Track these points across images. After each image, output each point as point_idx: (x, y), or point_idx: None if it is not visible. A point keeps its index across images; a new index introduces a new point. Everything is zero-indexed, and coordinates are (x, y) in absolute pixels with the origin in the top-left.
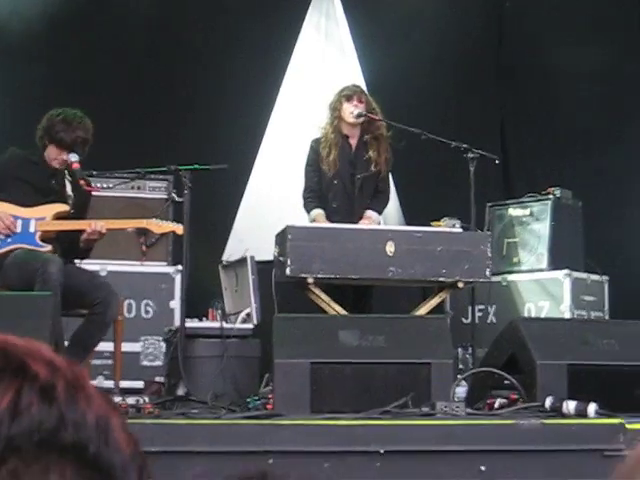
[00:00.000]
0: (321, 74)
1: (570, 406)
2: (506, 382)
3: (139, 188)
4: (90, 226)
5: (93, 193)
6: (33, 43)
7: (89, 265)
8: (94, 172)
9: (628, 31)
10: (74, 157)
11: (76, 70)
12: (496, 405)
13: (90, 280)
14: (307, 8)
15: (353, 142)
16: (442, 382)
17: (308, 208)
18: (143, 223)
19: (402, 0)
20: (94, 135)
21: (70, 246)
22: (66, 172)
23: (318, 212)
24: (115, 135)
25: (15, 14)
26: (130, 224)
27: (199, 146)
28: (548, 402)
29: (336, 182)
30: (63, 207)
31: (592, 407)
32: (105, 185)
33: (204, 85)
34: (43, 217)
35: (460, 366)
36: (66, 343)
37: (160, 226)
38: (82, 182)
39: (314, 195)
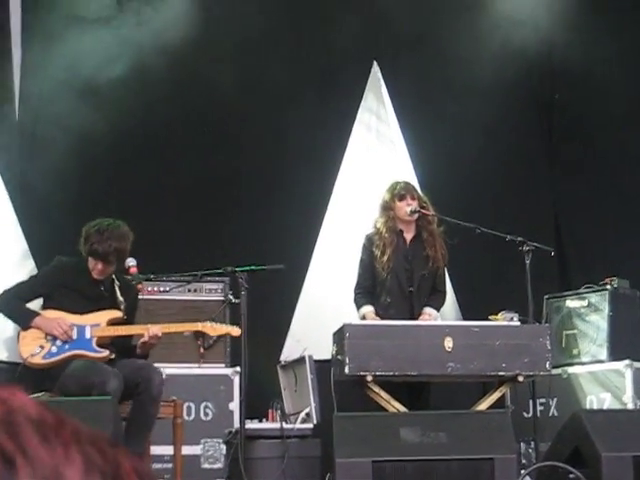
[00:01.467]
0: (373, 172)
1: None
2: (571, 476)
3: (195, 291)
4: (147, 331)
5: (151, 297)
6: (90, 146)
7: None
8: (152, 276)
9: None
10: (132, 262)
11: (131, 176)
12: None
13: (131, 368)
14: (357, 108)
15: (408, 237)
16: (506, 477)
17: (358, 305)
18: (199, 326)
19: (452, 97)
20: (147, 239)
21: (125, 349)
22: (114, 277)
23: (368, 309)
24: (171, 238)
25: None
26: (186, 327)
27: (254, 247)
28: None
29: (390, 278)
30: (117, 313)
31: None
32: (162, 289)
33: (259, 185)
34: (98, 324)
35: (523, 461)
36: None
37: (216, 329)
38: (139, 286)
39: (365, 291)
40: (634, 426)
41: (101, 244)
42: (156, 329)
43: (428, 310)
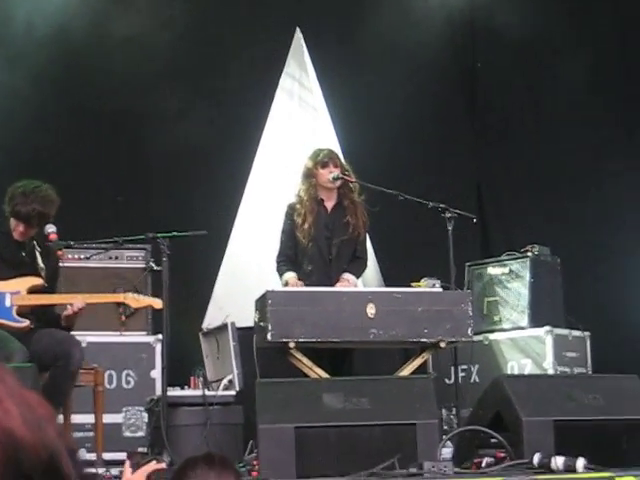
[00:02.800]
0: (296, 139)
1: (558, 462)
2: (492, 440)
3: (117, 258)
4: (72, 306)
5: (72, 264)
6: (14, 106)
7: None
8: (72, 242)
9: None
10: (51, 228)
11: (51, 136)
12: (483, 464)
13: (51, 338)
14: (280, 75)
15: (329, 205)
16: (428, 442)
17: (280, 272)
18: (121, 297)
19: (375, 64)
20: (68, 205)
21: (45, 318)
22: (35, 243)
23: (290, 275)
24: (91, 205)
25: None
26: (108, 298)
27: (176, 214)
28: (536, 459)
29: (311, 246)
30: (37, 280)
31: (580, 462)
32: (82, 256)
33: (180, 152)
34: (18, 291)
35: (445, 427)
36: None
37: (138, 300)
38: (60, 253)
39: (287, 260)
40: (554, 391)
41: (25, 206)
42: (78, 299)
43: (346, 276)
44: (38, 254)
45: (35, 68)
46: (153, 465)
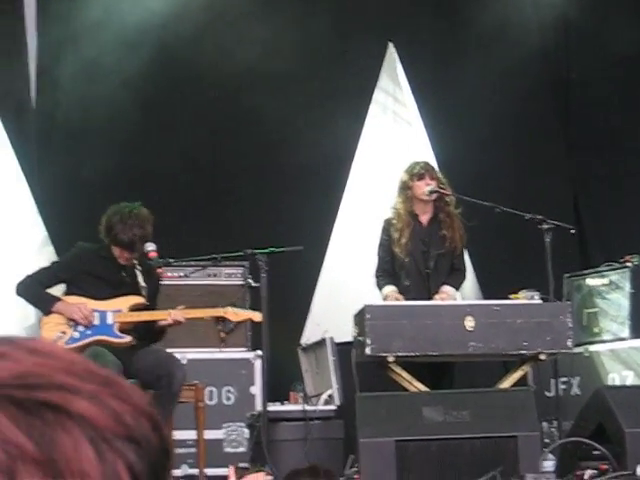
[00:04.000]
0: (390, 153)
1: None
2: (595, 452)
3: (215, 275)
4: (170, 315)
5: (171, 282)
6: (99, 131)
7: None
8: (172, 260)
9: None
10: (151, 246)
11: (147, 159)
12: (586, 477)
13: (154, 359)
14: (373, 89)
15: (424, 220)
16: (530, 455)
17: (380, 286)
18: (220, 312)
19: (468, 77)
20: (166, 223)
21: (147, 334)
22: (135, 263)
23: (390, 289)
24: (190, 222)
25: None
26: (207, 313)
27: (273, 230)
28: (639, 470)
29: (408, 261)
30: (138, 299)
31: None
32: (182, 274)
33: (277, 168)
34: (119, 309)
35: (546, 440)
36: None
37: (237, 314)
38: (160, 271)
39: (385, 274)
40: None
41: (126, 233)
42: (178, 315)
43: (445, 288)
44: (139, 273)
45: (133, 88)
46: (261, 476)
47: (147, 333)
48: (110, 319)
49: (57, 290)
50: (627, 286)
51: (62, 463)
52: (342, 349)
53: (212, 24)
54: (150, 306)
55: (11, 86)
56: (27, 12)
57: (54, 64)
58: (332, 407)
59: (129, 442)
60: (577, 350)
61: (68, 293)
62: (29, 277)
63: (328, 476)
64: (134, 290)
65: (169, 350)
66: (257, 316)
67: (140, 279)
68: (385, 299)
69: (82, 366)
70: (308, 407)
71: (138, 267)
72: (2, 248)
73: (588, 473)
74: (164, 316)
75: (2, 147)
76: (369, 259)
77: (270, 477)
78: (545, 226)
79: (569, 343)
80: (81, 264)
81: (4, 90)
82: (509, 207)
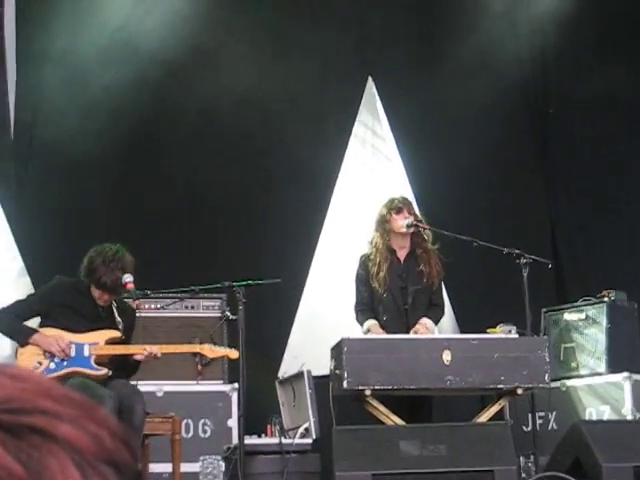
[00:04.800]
0: (369, 187)
1: None
2: None
3: (193, 307)
4: (145, 350)
5: (148, 314)
6: (79, 161)
7: (145, 386)
8: (149, 292)
9: None
10: (129, 278)
11: (128, 194)
12: None
13: (116, 394)
14: (353, 122)
15: (402, 255)
16: None
17: (361, 320)
18: (197, 348)
19: (447, 112)
20: (142, 255)
21: (122, 367)
22: (113, 301)
23: (372, 322)
24: (166, 254)
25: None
26: (184, 349)
27: (251, 263)
28: None
29: (386, 296)
30: (115, 333)
31: None
32: (159, 305)
33: (255, 200)
34: (96, 342)
35: (523, 475)
36: None
37: (214, 351)
38: (137, 303)
39: (366, 308)
40: (634, 437)
41: (109, 276)
42: (155, 349)
43: (424, 320)
44: (115, 309)
45: (108, 121)
46: None
47: (122, 366)
48: (87, 351)
49: (33, 323)
50: (604, 321)
51: None
52: (319, 382)
53: (198, 56)
54: (126, 340)
55: None
56: (7, 29)
57: (33, 88)
58: (309, 440)
59: (110, 465)
60: (554, 385)
61: (43, 325)
62: (4, 309)
63: None
64: (110, 324)
65: (146, 382)
66: (233, 354)
67: (116, 314)
68: (367, 332)
69: (60, 391)
70: (285, 440)
71: (114, 303)
72: None
73: None
74: (140, 350)
75: None
76: (347, 292)
77: None
78: (523, 260)
79: (546, 378)
80: (58, 296)
81: None
82: (487, 241)
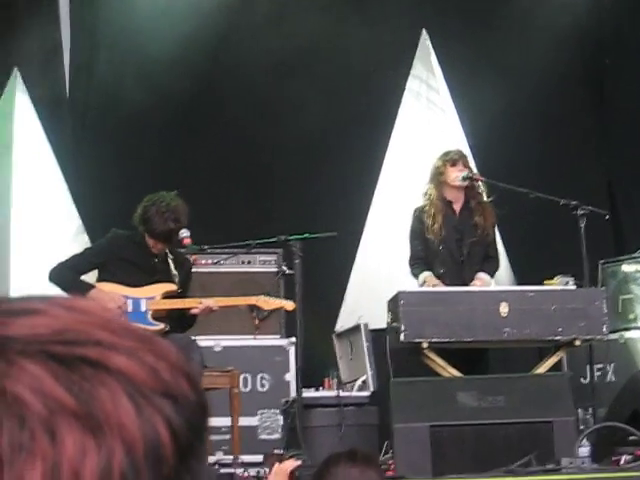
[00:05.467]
0: (424, 140)
1: None
2: (631, 438)
3: (249, 262)
4: (201, 304)
5: (204, 270)
6: (132, 123)
7: (203, 341)
8: (205, 247)
9: None
10: (185, 233)
11: (183, 148)
12: (622, 462)
13: (175, 343)
14: (407, 77)
15: (457, 207)
16: (565, 440)
17: (416, 273)
18: (253, 300)
19: (501, 64)
20: (199, 210)
21: (179, 321)
22: (167, 251)
23: (427, 274)
24: (223, 209)
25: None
26: (240, 301)
27: (306, 217)
28: None
29: (442, 249)
30: (171, 287)
31: None
32: (215, 261)
33: (311, 154)
34: (152, 296)
35: (581, 427)
36: None
37: (269, 303)
38: (193, 258)
39: (420, 262)
40: None
41: (162, 225)
42: (211, 302)
43: (481, 275)
44: (171, 261)
45: (162, 78)
46: (291, 462)
47: (179, 320)
48: (143, 306)
49: (90, 276)
50: None
51: (101, 417)
52: (376, 335)
53: (251, 13)
54: (182, 294)
55: (46, 80)
56: (62, 9)
57: (88, 58)
58: (366, 393)
59: (167, 398)
60: (612, 336)
61: (100, 279)
62: (62, 264)
63: (367, 460)
64: (166, 277)
65: (204, 337)
66: (290, 305)
67: (172, 267)
68: (423, 284)
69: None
70: (342, 393)
71: (170, 255)
72: (38, 237)
73: (624, 458)
74: (196, 304)
75: (38, 139)
76: (403, 246)
77: (299, 462)
78: (579, 212)
79: (604, 329)
80: (114, 250)
81: (39, 84)
82: (543, 193)
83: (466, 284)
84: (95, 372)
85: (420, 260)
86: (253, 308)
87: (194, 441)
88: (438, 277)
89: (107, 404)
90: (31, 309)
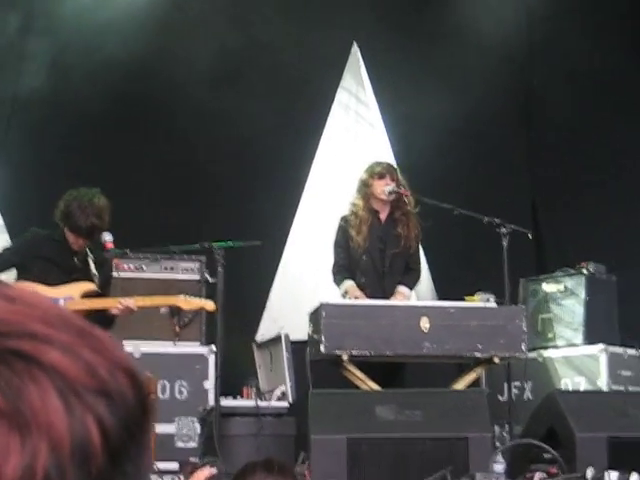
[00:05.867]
0: (351, 153)
1: (612, 477)
2: (545, 455)
3: (172, 269)
4: (120, 304)
5: (126, 275)
6: (60, 117)
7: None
8: (128, 251)
9: None
10: (108, 236)
11: (106, 149)
12: (536, 479)
13: None
14: (336, 89)
15: (383, 217)
16: (480, 456)
17: (338, 281)
18: (172, 300)
19: (431, 79)
20: (122, 213)
21: (98, 321)
22: (88, 250)
23: (349, 283)
24: (146, 214)
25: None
26: (159, 301)
27: (231, 224)
28: (589, 473)
29: (365, 258)
30: (90, 286)
31: (635, 477)
32: (137, 266)
33: (236, 163)
34: (71, 296)
35: (497, 444)
36: None
37: (189, 302)
38: (116, 262)
39: (343, 269)
40: (608, 407)
41: (83, 220)
42: (130, 302)
43: (401, 289)
44: (91, 261)
45: (96, 71)
46: (207, 470)
47: (98, 320)
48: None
49: (9, 277)
50: (582, 293)
51: (28, 414)
52: (297, 347)
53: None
54: (102, 295)
55: None
56: None
57: (19, 43)
58: (285, 404)
59: (101, 396)
60: (531, 355)
61: (19, 278)
62: None
63: (283, 470)
64: (85, 277)
65: (124, 342)
66: (210, 305)
67: (92, 267)
68: (345, 294)
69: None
70: (261, 403)
71: (90, 255)
72: None
73: (538, 476)
74: (115, 304)
75: None
76: (327, 256)
77: (215, 469)
78: (503, 230)
79: (523, 347)
80: (33, 248)
81: None
82: (467, 210)
83: (386, 294)
84: (27, 367)
85: (342, 268)
86: (174, 314)
87: (129, 442)
88: (359, 286)
89: (36, 401)
90: None
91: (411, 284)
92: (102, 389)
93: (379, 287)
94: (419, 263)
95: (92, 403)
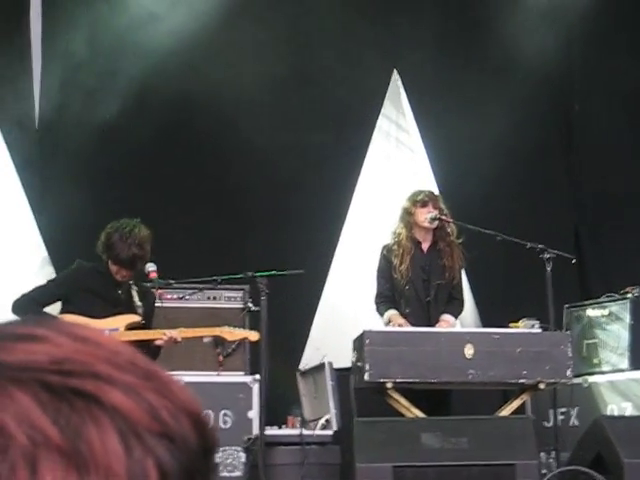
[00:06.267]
0: (393, 180)
1: None
2: None
3: (215, 298)
4: (165, 335)
5: (170, 304)
6: (99, 154)
7: None
8: (172, 281)
9: None
10: (152, 267)
11: (153, 180)
12: None
13: None
14: (377, 116)
15: (425, 247)
16: None
17: (381, 311)
18: (216, 331)
19: (472, 105)
20: (166, 244)
21: (143, 353)
22: (131, 282)
23: (393, 312)
24: (190, 244)
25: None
26: (204, 332)
27: (274, 254)
28: None
29: (408, 288)
30: (135, 318)
31: None
32: (181, 296)
33: (280, 192)
34: (116, 328)
35: (544, 471)
36: None
37: (233, 333)
38: (159, 292)
39: (386, 300)
40: None
41: (125, 251)
42: (175, 333)
43: (446, 317)
44: (135, 293)
45: (133, 105)
46: None
47: (143, 352)
48: None
49: (54, 309)
50: (627, 317)
51: (87, 454)
52: (341, 374)
53: (212, 55)
54: (146, 326)
55: (15, 109)
56: (33, 32)
57: (58, 86)
58: (329, 432)
59: (162, 439)
60: (576, 380)
61: (64, 311)
62: (25, 295)
63: None
64: (129, 309)
65: (168, 372)
66: (254, 335)
67: (136, 298)
68: (388, 323)
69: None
70: (305, 431)
71: (134, 287)
72: (2, 268)
73: None
74: (160, 335)
75: (5, 168)
76: (369, 285)
77: None
78: (546, 255)
79: (568, 373)
80: (78, 280)
81: (8, 112)
82: (510, 236)
83: (431, 324)
84: (87, 406)
85: (386, 298)
86: (218, 344)
87: None
88: (403, 316)
89: (95, 441)
90: (33, 335)
91: (455, 313)
92: (164, 432)
93: (423, 317)
94: (462, 293)
95: (153, 446)
